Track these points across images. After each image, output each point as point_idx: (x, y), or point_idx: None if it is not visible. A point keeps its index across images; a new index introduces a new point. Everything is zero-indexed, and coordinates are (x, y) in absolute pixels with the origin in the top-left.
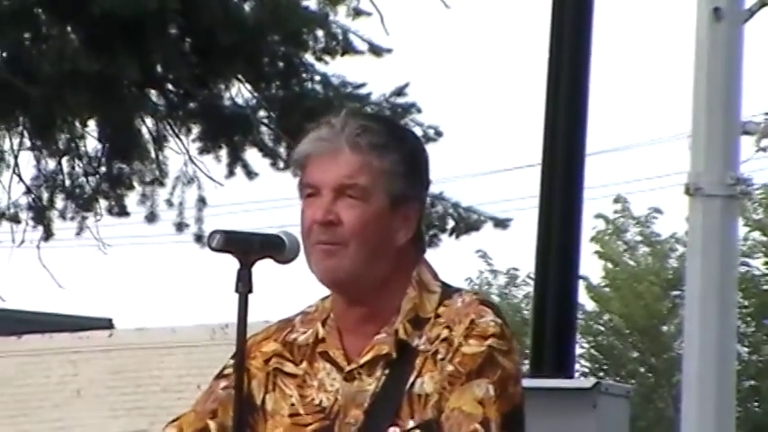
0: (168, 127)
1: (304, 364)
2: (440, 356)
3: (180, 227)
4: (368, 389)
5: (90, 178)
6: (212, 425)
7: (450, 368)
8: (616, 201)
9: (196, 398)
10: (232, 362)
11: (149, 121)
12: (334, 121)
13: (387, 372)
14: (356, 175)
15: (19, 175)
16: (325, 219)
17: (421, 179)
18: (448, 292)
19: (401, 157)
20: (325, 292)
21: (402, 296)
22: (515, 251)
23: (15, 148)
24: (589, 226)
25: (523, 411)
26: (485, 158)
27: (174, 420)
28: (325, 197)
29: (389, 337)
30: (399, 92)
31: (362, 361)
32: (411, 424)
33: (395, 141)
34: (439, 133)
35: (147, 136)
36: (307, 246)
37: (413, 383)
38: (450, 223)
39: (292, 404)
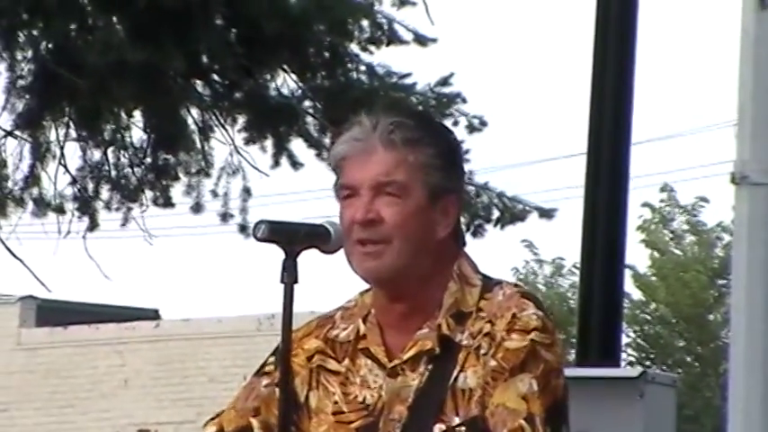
0: (213, 117)
1: (346, 361)
2: (482, 351)
3: (225, 217)
4: (411, 384)
5: (135, 169)
6: (255, 423)
7: (493, 363)
8: (662, 190)
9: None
10: (272, 359)
11: (195, 112)
12: (366, 119)
13: (430, 367)
14: (392, 172)
15: (65, 166)
16: (365, 218)
17: (457, 171)
18: (488, 284)
19: (437, 151)
20: (366, 285)
21: (443, 290)
22: (561, 241)
23: (61, 138)
24: (635, 215)
25: (567, 403)
26: (530, 148)
27: (212, 418)
28: (363, 197)
29: (432, 332)
30: (444, 82)
31: (406, 357)
32: (456, 420)
33: (429, 135)
34: (484, 123)
35: (192, 126)
36: (347, 245)
37: (456, 378)
38: (496, 213)
39: (336, 402)
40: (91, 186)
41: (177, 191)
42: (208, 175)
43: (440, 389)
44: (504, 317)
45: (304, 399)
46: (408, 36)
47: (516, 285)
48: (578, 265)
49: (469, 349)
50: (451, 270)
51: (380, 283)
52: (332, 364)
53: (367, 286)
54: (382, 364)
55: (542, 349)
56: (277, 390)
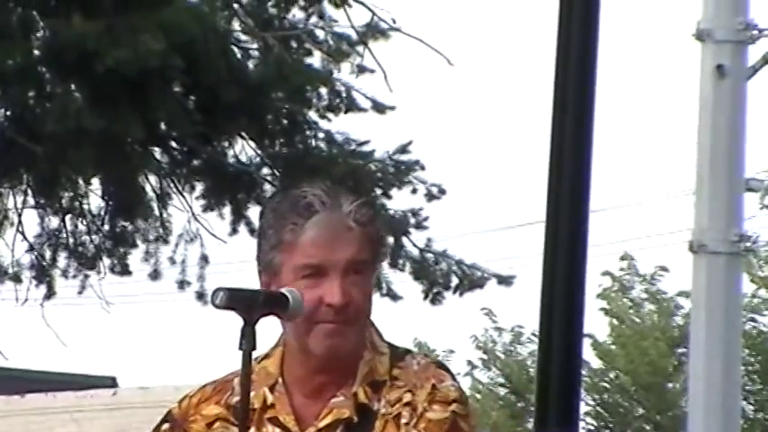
0: (172, 184)
1: (251, 430)
2: (404, 420)
3: (182, 284)
4: None
5: (93, 236)
6: None
7: None
8: (623, 258)
9: None
10: (166, 426)
11: (153, 179)
12: (319, 197)
13: None
14: (361, 252)
15: (23, 233)
16: (343, 302)
17: None
18: (397, 352)
19: (379, 225)
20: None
21: (359, 359)
22: (520, 308)
23: (19, 206)
24: (595, 283)
25: None
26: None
27: None
28: (331, 278)
29: (348, 400)
30: (403, 149)
31: (321, 425)
32: None
33: (375, 211)
34: (442, 191)
35: (150, 194)
36: (304, 324)
37: None
38: (455, 281)
39: None
40: (48, 254)
41: (135, 258)
42: (166, 242)
43: None
44: (424, 387)
45: None
46: (367, 104)
47: (427, 355)
48: (537, 334)
49: (387, 417)
50: (365, 339)
51: (336, 361)
52: None
53: (262, 353)
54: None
55: (461, 421)
56: None
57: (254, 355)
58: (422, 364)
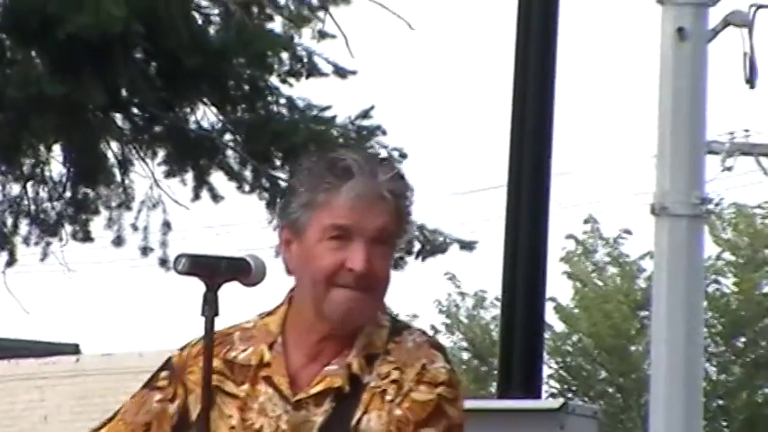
0: (134, 151)
1: (246, 386)
2: (388, 397)
3: (145, 251)
4: (314, 420)
5: (55, 203)
6: None
7: (398, 412)
8: (586, 221)
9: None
10: (165, 373)
11: (114, 146)
12: (358, 163)
13: (334, 405)
14: (390, 224)
15: None
16: (365, 269)
17: None
18: (397, 327)
19: (411, 203)
20: (264, 308)
21: (360, 330)
22: (483, 273)
23: None
24: (560, 246)
25: None
26: (451, 180)
27: (98, 428)
28: (358, 243)
29: (341, 369)
30: (365, 114)
31: (312, 392)
32: None
33: (409, 188)
34: (404, 155)
35: (112, 160)
36: (321, 286)
37: (359, 420)
38: (417, 246)
39: (232, 426)
40: (10, 221)
41: (97, 225)
42: (128, 208)
43: (342, 429)
44: (413, 366)
45: (196, 418)
46: (328, 69)
47: (424, 333)
48: (500, 298)
49: (375, 390)
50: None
51: (349, 327)
52: (230, 387)
53: (266, 310)
54: (284, 395)
55: (447, 405)
56: (170, 405)
57: (257, 313)
58: (416, 342)
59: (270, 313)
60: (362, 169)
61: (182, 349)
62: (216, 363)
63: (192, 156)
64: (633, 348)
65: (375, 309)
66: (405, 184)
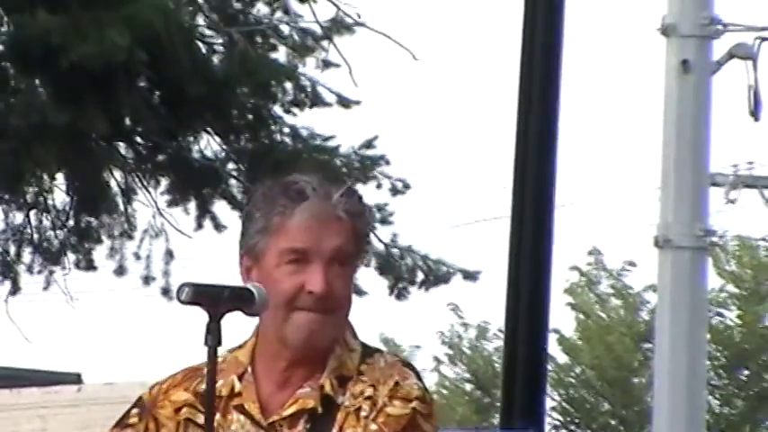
0: (137, 179)
1: (217, 417)
2: (363, 414)
3: (147, 280)
4: None
5: (58, 232)
6: None
7: (373, 427)
8: (590, 253)
9: None
10: (135, 410)
11: (118, 174)
12: (312, 185)
13: (308, 427)
14: (347, 244)
15: None
16: (325, 291)
17: None
18: (368, 350)
19: (368, 221)
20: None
21: (330, 353)
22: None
23: None
24: (563, 278)
25: None
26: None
27: None
28: (316, 265)
29: (314, 391)
30: (368, 144)
31: (285, 414)
32: None
33: (365, 207)
34: (407, 186)
35: (115, 189)
36: (282, 310)
37: None
38: (420, 276)
39: None
40: (13, 249)
41: (100, 253)
42: (131, 237)
43: None
44: (386, 383)
45: None
46: (332, 98)
47: (396, 355)
48: (503, 329)
49: (349, 410)
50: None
51: (312, 351)
52: (200, 419)
53: (236, 344)
54: (256, 420)
55: (422, 419)
56: None
57: (227, 347)
58: (388, 362)
59: (240, 347)
60: (316, 191)
61: (152, 388)
62: (186, 395)
63: (195, 185)
64: (636, 380)
65: (338, 330)
66: (360, 203)
